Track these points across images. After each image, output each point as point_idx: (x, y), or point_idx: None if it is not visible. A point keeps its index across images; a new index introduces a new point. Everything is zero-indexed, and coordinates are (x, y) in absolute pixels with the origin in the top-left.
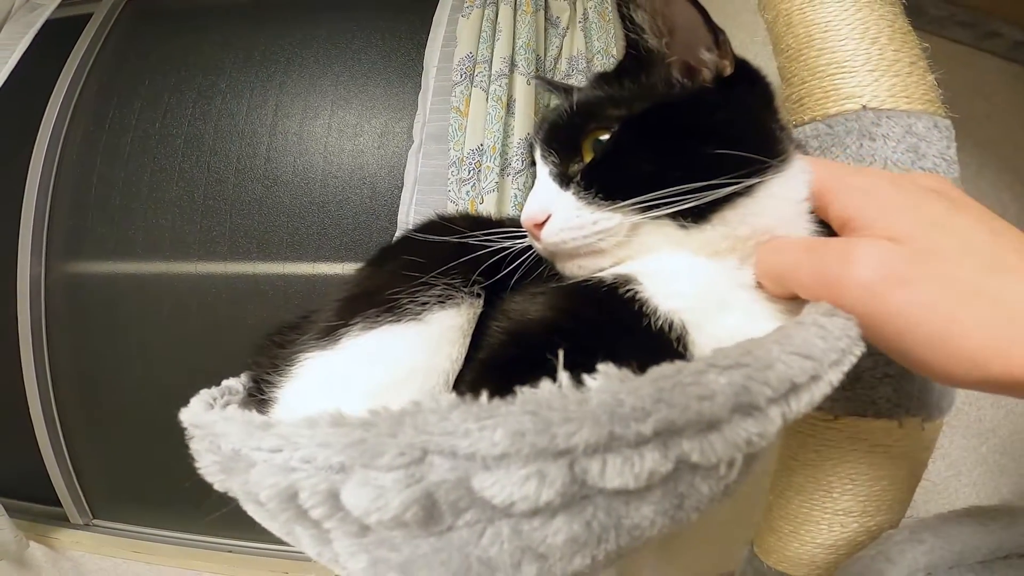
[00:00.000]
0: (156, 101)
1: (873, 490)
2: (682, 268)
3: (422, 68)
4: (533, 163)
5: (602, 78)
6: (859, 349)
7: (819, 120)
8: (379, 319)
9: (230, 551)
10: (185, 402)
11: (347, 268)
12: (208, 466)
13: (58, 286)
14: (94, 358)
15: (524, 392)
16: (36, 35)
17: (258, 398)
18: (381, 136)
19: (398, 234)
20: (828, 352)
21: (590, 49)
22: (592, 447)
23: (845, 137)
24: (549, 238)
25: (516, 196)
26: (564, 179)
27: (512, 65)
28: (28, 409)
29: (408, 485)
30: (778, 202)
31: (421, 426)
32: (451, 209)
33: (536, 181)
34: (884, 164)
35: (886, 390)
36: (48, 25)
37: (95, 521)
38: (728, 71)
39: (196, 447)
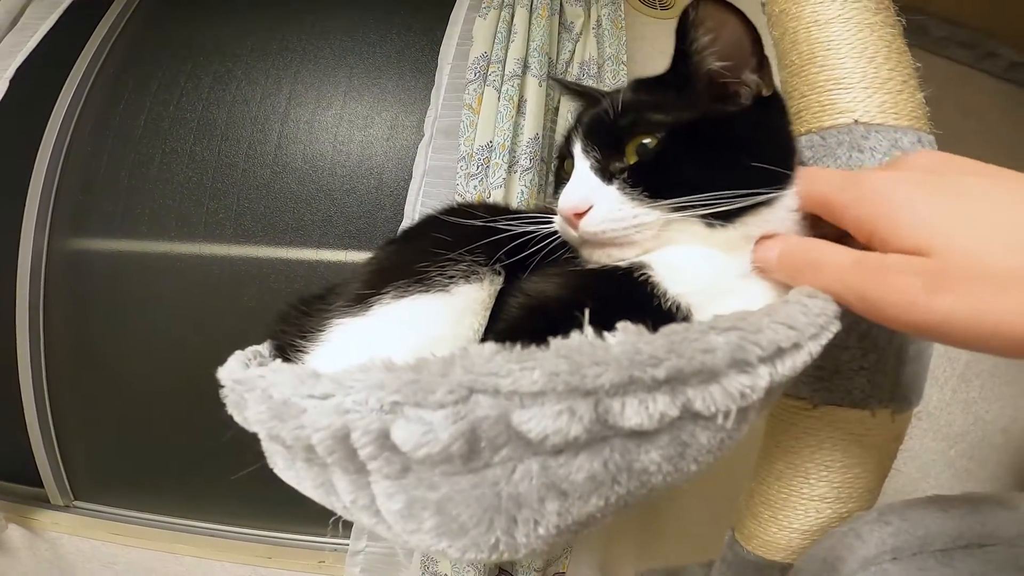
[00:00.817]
0: (172, 85)
1: (846, 477)
2: (691, 259)
3: (436, 64)
4: (560, 157)
5: (644, 84)
6: (835, 327)
7: (814, 132)
8: (410, 289)
9: (212, 535)
10: (180, 384)
11: (350, 256)
12: (258, 414)
13: (60, 262)
14: (91, 337)
15: (557, 340)
16: (60, 15)
17: (285, 361)
18: (391, 128)
19: (405, 223)
20: (808, 326)
21: (601, 55)
22: (615, 388)
23: (836, 148)
24: (589, 227)
25: (523, 192)
26: (606, 174)
27: (525, 67)
28: (19, 386)
29: (455, 421)
30: (785, 210)
31: (468, 367)
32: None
33: (573, 174)
34: None
35: (861, 381)
36: (72, 6)
37: (76, 503)
38: (766, 93)
39: (240, 399)
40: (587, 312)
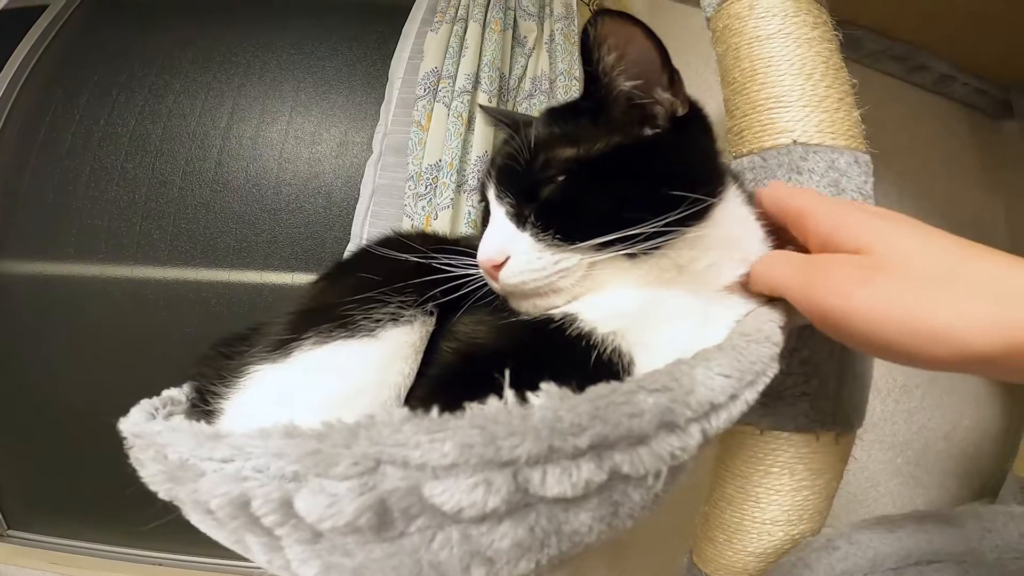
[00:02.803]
0: (103, 97)
1: (795, 500)
2: (623, 301)
3: (387, 79)
4: (483, 199)
5: (555, 114)
6: (772, 370)
7: (756, 153)
8: (332, 334)
9: (159, 564)
10: (115, 411)
11: (297, 278)
12: (154, 475)
13: None
14: (16, 362)
15: (472, 407)
16: None
17: (202, 409)
18: (340, 145)
19: (351, 246)
20: (745, 373)
21: (554, 70)
22: (534, 458)
23: (776, 170)
24: (509, 280)
25: (470, 213)
26: (520, 219)
27: (476, 82)
28: None
29: (361, 493)
30: (721, 229)
31: (375, 438)
32: (406, 223)
33: (490, 221)
34: None
35: (804, 407)
36: (2, 15)
37: (10, 531)
38: (681, 111)
39: (138, 456)
40: (507, 373)
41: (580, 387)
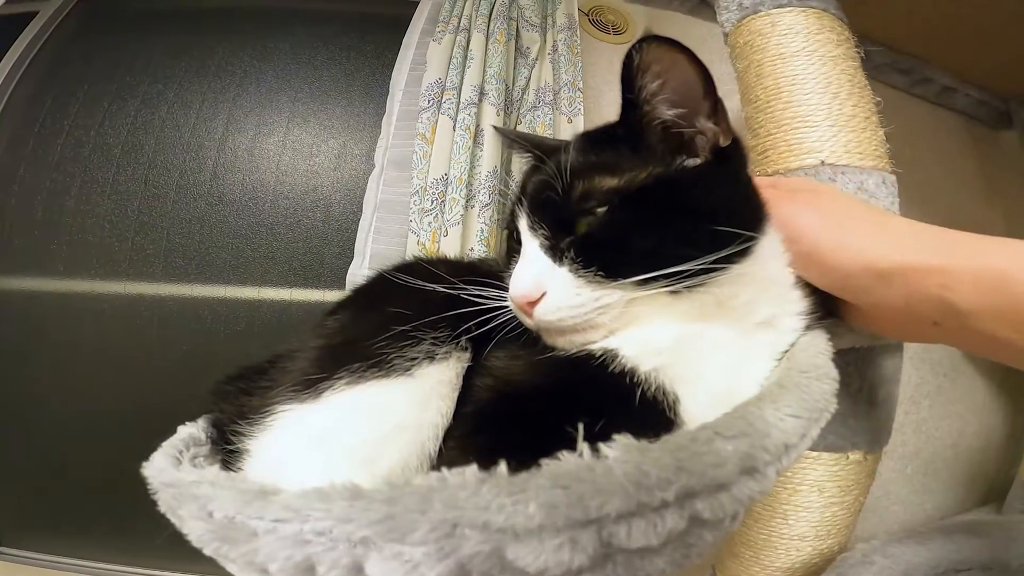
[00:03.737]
0: (94, 107)
1: (824, 516)
2: (665, 337)
3: (387, 90)
4: (509, 228)
5: (590, 140)
6: (833, 407)
7: (781, 173)
8: (366, 374)
9: None
10: (109, 429)
11: (295, 294)
12: (200, 535)
13: None
14: (6, 379)
15: (550, 465)
16: None
17: (224, 448)
18: (338, 158)
19: (356, 263)
20: (811, 411)
21: (557, 81)
22: (621, 515)
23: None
24: (546, 316)
25: (482, 231)
26: (557, 253)
27: (482, 94)
28: None
29: (440, 559)
30: (762, 265)
31: (451, 501)
32: (411, 240)
33: (522, 252)
34: None
35: (835, 427)
36: None
37: (2, 548)
38: (723, 142)
39: (175, 509)
40: (581, 427)
41: (630, 428)
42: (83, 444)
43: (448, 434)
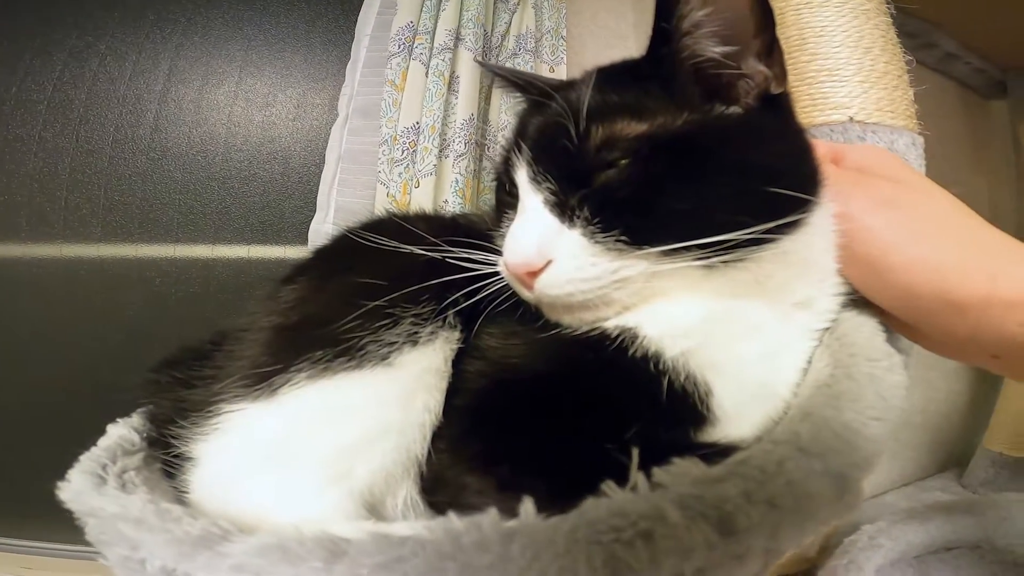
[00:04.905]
0: (14, 64)
1: None
2: (687, 306)
3: (352, 36)
4: (501, 179)
5: (611, 77)
6: (903, 403)
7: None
8: (333, 364)
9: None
10: (48, 406)
11: (253, 251)
12: None
13: None
14: None
15: (598, 505)
16: None
17: (164, 452)
18: (298, 107)
19: (318, 217)
20: (890, 412)
21: (540, 28)
22: (699, 570)
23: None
24: (550, 290)
25: (457, 181)
26: (566, 211)
27: (458, 39)
28: None
29: None
30: (812, 238)
31: (467, 567)
32: (381, 192)
33: (520, 209)
34: None
35: None
36: None
37: None
38: (776, 89)
39: (102, 543)
40: (636, 453)
41: (661, 429)
42: (19, 424)
43: (438, 432)
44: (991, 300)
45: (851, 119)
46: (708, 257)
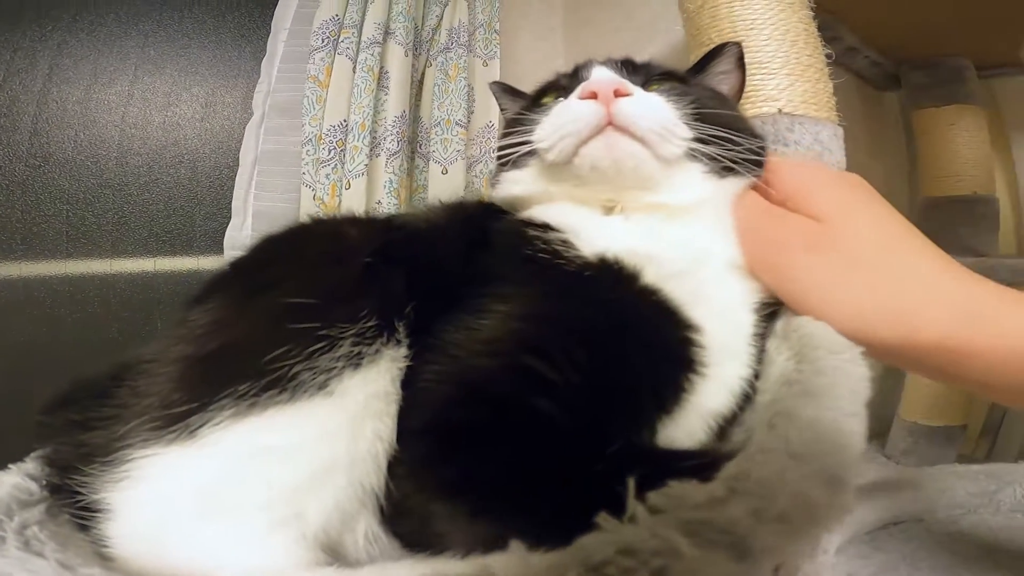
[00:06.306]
0: None
1: None
2: (667, 236)
3: (266, 30)
4: (541, 93)
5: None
6: (869, 394)
7: None
8: (260, 398)
9: None
10: None
11: (160, 264)
12: None
13: None
14: None
15: (596, 540)
16: None
17: (70, 502)
18: (205, 107)
19: (234, 224)
20: (862, 406)
21: (472, 21)
22: None
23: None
24: (626, 110)
25: (391, 181)
26: (640, 83)
27: (387, 32)
28: None
29: None
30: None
31: None
32: (306, 194)
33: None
34: None
35: None
36: None
37: None
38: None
39: None
40: (632, 484)
41: (656, 371)
42: None
43: (397, 458)
44: (914, 345)
45: (780, 111)
46: (728, 154)
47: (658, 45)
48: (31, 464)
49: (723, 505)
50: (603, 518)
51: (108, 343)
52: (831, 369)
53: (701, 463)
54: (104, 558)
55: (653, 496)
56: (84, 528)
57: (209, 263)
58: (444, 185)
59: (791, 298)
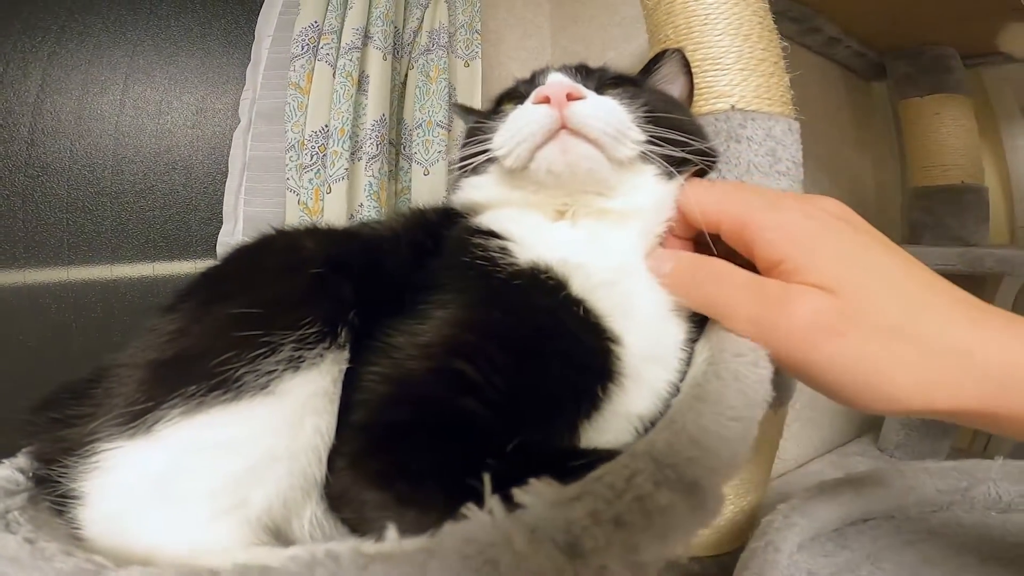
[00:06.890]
0: None
1: (742, 475)
2: (605, 243)
3: (253, 37)
4: (500, 100)
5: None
6: (770, 396)
7: None
8: (207, 399)
9: None
10: None
11: (159, 268)
12: None
13: None
14: None
15: (455, 529)
16: None
17: (51, 491)
18: (197, 114)
19: (226, 229)
20: (753, 408)
21: (453, 23)
22: None
23: (714, 138)
24: (580, 112)
25: (371, 185)
26: (593, 86)
27: (366, 37)
28: None
29: None
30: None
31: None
32: (291, 199)
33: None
34: (747, 167)
35: None
36: None
37: None
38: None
39: None
40: (488, 479)
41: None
42: None
43: (336, 450)
44: (948, 412)
45: (732, 107)
46: (673, 154)
47: (644, 41)
48: (21, 459)
49: (568, 505)
50: (469, 509)
51: (113, 347)
52: (728, 372)
53: (578, 464)
54: (76, 539)
55: (517, 492)
56: (61, 513)
57: (206, 267)
58: (427, 186)
59: (823, 390)
